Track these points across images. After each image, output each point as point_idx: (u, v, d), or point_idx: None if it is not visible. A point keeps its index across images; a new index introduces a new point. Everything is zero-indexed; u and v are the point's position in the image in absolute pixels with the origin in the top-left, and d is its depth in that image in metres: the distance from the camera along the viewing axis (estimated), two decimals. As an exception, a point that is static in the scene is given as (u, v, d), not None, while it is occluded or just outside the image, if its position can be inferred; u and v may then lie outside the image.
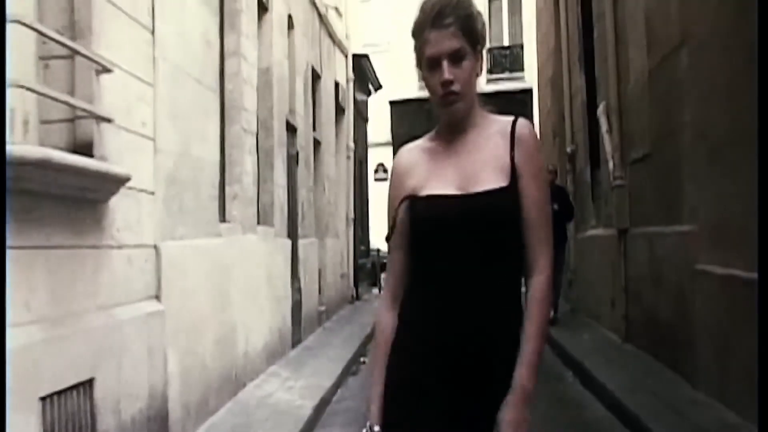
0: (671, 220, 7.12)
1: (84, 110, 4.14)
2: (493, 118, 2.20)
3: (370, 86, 18.86)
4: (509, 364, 2.04)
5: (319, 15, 12.48)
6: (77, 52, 4.10)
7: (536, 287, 2.10)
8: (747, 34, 5.25)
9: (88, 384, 3.96)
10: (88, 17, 4.25)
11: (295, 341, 9.67)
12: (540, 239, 2.12)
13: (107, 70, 4.27)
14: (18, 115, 3.67)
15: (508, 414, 1.98)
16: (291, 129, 10.09)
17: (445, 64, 2.08)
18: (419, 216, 2.12)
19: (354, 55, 15.71)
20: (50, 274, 3.69)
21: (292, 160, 10.19)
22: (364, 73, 17.12)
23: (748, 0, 5.20)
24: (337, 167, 14.48)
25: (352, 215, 15.58)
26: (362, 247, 17.86)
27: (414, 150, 2.24)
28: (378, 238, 18.67)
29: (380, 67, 19.39)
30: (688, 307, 6.57)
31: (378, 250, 19.29)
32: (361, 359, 9.30)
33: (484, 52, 2.18)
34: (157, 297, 5.07)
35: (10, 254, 3.29)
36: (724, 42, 5.72)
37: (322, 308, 11.90)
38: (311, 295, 11.02)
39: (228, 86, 7.34)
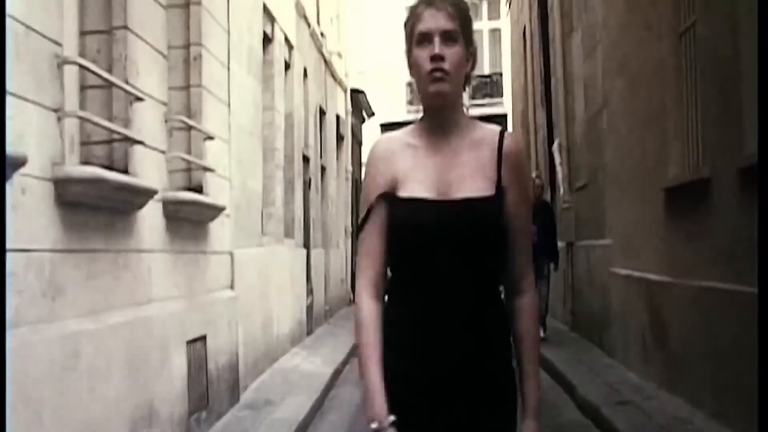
0: (599, 236, 9.50)
1: (196, 164, 6.44)
2: (478, 124, 2.16)
3: (364, 114, 21.22)
4: (499, 376, 2.12)
5: (325, 61, 14.81)
6: (192, 127, 6.41)
7: (529, 306, 2.15)
8: (639, 106, 7.63)
9: (204, 339, 6.26)
10: (198, 102, 6.56)
11: (309, 331, 11.98)
12: (527, 256, 2.16)
13: (210, 138, 6.58)
14: (156, 169, 5.95)
15: (530, 425, 2.11)
16: (305, 160, 12.42)
17: (437, 39, 2.04)
18: (401, 221, 2.07)
19: (352, 90, 18.07)
20: (185, 268, 5.99)
21: (306, 185, 12.53)
22: (359, 104, 19.49)
23: (639, 81, 7.59)
24: (338, 188, 16.84)
25: (350, 228, 17.90)
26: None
27: (393, 142, 2.17)
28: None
29: (371, 91, 21.53)
30: (607, 300, 8.93)
31: None
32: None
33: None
34: (232, 287, 7.37)
35: (170, 256, 5.59)
36: (626, 109, 8.09)
37: (327, 307, 14.22)
38: (319, 295, 13.35)
39: (265, 132, 9.66)
